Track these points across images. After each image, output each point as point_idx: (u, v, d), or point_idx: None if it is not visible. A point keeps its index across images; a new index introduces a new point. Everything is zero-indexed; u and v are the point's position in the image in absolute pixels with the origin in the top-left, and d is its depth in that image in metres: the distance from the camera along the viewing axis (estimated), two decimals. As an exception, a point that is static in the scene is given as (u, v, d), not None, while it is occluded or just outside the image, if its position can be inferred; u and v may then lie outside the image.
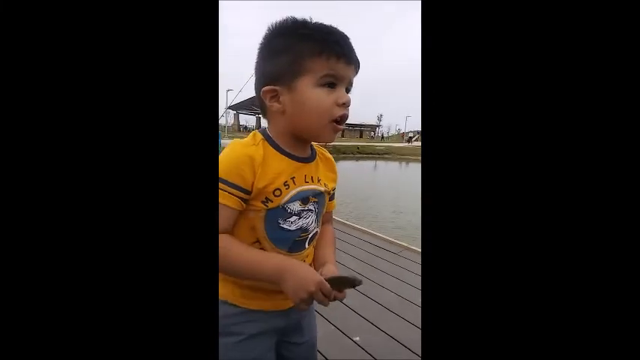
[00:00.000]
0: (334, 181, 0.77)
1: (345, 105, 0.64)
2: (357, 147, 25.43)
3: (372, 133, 62.59)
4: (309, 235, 0.71)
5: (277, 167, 0.65)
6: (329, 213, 0.80)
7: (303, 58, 0.61)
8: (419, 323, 1.77)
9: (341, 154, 23.65)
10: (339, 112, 0.63)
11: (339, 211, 4.91)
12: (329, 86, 0.62)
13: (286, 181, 0.66)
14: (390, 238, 3.18)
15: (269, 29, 0.65)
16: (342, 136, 45.73)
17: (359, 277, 0.62)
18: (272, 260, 0.64)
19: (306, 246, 0.71)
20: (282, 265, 0.62)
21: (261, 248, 0.66)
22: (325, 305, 0.62)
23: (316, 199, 0.71)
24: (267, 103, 0.65)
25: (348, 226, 3.55)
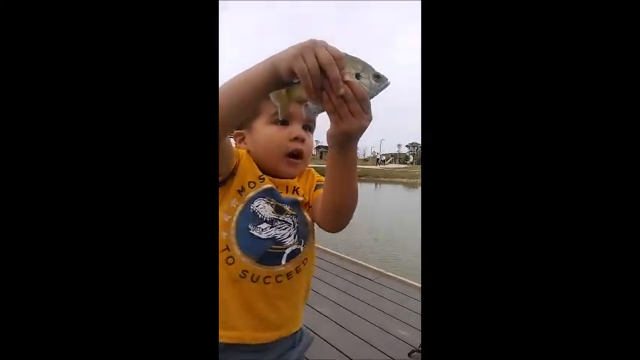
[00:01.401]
0: (312, 188, 0.74)
1: (298, 139, 0.66)
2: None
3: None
4: (287, 251, 0.67)
5: (250, 168, 0.67)
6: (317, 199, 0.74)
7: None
8: (392, 352, 1.74)
9: (323, 175, 23.72)
10: (292, 146, 0.66)
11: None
12: (282, 123, 0.65)
13: (262, 176, 0.67)
14: (367, 264, 3.16)
15: None
16: (321, 157, 46.28)
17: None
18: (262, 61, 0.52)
19: (283, 262, 0.66)
20: (273, 56, 0.51)
21: (229, 257, 0.63)
22: (339, 90, 0.46)
23: (294, 212, 0.69)
24: (237, 144, 0.70)
25: (326, 252, 3.51)
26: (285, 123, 0.66)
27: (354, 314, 2.18)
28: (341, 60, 0.46)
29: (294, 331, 0.72)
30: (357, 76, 0.49)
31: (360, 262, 3.27)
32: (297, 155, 0.67)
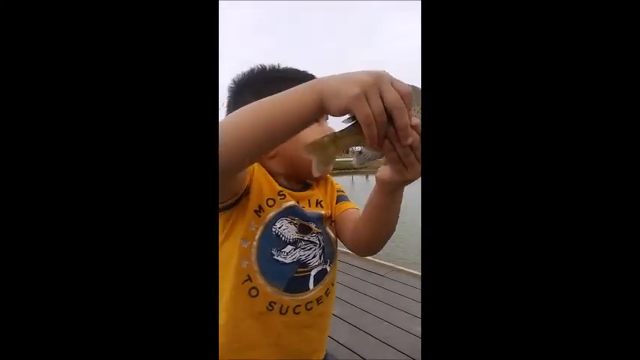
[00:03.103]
0: (333, 198, 0.68)
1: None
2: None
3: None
4: (312, 272, 0.59)
5: (268, 185, 0.58)
6: (354, 209, 0.66)
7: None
8: (414, 353, 1.68)
9: (343, 169, 23.49)
10: None
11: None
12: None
13: (282, 191, 0.58)
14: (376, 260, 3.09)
15: (237, 82, 0.61)
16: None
17: None
18: (300, 86, 0.42)
19: (311, 286, 0.59)
20: (315, 80, 0.42)
21: (252, 288, 0.56)
22: (402, 124, 0.38)
23: (319, 230, 0.61)
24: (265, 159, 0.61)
25: None
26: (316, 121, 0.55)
27: (368, 313, 2.11)
28: (409, 97, 0.38)
29: (322, 357, 0.65)
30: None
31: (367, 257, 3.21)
32: None
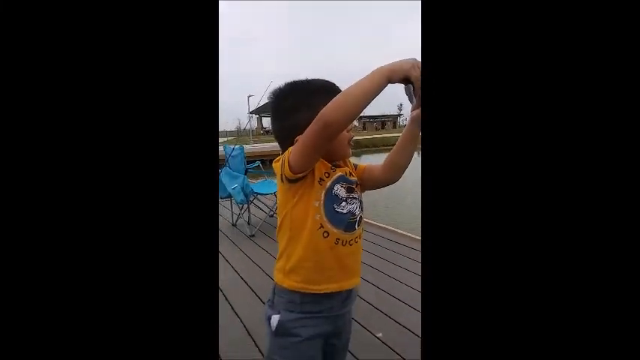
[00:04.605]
0: (354, 171, 0.97)
1: (350, 131, 0.91)
2: (379, 140, 25.21)
3: (394, 123, 61.72)
4: (357, 219, 0.90)
5: (324, 162, 0.88)
6: (375, 166, 0.98)
7: (317, 108, 0.79)
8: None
9: (362, 147, 23.58)
10: (349, 136, 0.91)
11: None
12: None
13: (332, 167, 0.89)
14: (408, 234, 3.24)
15: (278, 93, 0.89)
16: (364, 129, 45.67)
17: None
18: (371, 74, 0.76)
19: (356, 227, 0.90)
20: (378, 68, 0.76)
21: (325, 232, 0.86)
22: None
23: (357, 189, 0.92)
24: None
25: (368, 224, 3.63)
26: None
27: (393, 278, 2.31)
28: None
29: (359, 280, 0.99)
30: None
31: (389, 227, 3.37)
32: (350, 141, 0.91)
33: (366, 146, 24.19)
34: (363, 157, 19.84)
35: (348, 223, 0.88)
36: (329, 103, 0.71)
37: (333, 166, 0.88)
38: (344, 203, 0.87)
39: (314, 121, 0.72)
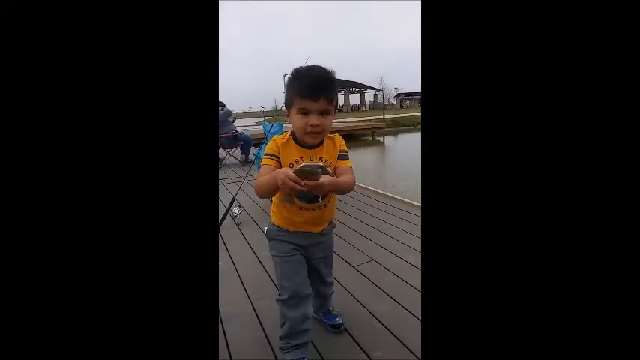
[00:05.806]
0: (336, 155, 1.22)
1: (313, 126, 1.10)
2: (418, 121, 24.47)
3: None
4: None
5: (292, 151, 1.17)
6: (345, 167, 1.19)
7: (292, 95, 1.11)
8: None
9: (400, 126, 23.21)
10: (309, 129, 1.10)
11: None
12: (304, 114, 1.11)
13: (297, 159, 1.17)
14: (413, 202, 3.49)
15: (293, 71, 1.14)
16: (406, 107, 43.68)
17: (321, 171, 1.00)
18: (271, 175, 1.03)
19: (320, 200, 1.20)
20: (273, 173, 1.03)
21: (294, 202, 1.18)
22: (300, 189, 0.95)
23: (329, 168, 1.18)
24: (285, 118, 1.20)
25: (388, 197, 3.70)
26: (306, 113, 1.10)
27: (383, 233, 2.64)
28: (296, 179, 0.97)
29: (330, 224, 1.34)
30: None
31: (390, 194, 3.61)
32: (314, 132, 1.12)
33: (404, 125, 23.61)
34: (400, 136, 19.64)
35: (311, 198, 1.17)
36: (255, 184, 1.06)
37: (297, 158, 1.14)
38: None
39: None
